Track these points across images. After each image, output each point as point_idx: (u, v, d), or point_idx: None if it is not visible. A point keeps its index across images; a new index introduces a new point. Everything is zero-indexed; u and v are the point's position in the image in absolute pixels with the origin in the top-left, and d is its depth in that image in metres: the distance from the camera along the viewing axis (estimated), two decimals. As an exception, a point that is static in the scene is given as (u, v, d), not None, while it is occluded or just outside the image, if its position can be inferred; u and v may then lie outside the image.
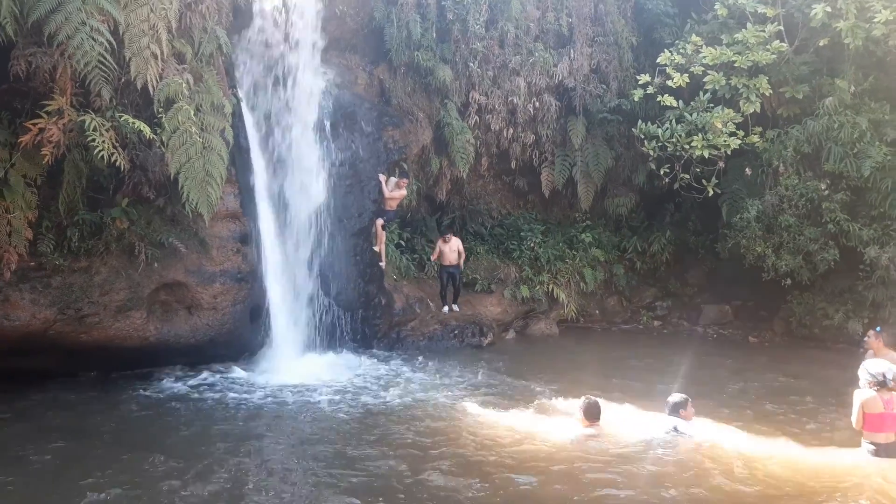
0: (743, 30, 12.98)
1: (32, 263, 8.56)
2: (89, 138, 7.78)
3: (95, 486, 5.95)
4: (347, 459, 6.70)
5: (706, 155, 12.99)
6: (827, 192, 12.45)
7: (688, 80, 13.18)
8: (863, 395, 6.56)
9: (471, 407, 8.46)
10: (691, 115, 13.15)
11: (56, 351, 9.04)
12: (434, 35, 13.09)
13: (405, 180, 12.22)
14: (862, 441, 6.69)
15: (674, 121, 13.29)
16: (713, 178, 13.24)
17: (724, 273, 14.42)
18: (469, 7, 13.24)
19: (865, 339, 8.19)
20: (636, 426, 7.49)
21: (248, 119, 10.75)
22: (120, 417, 8.01)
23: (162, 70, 8.42)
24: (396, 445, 7.16)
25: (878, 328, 8.14)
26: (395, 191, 12.02)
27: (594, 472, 6.42)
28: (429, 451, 7.00)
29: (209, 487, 5.98)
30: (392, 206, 12.09)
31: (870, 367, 6.55)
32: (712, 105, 13.13)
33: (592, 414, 7.26)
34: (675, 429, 7.12)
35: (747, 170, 13.37)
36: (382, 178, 11.98)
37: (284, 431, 7.73)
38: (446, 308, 12.85)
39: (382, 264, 12.21)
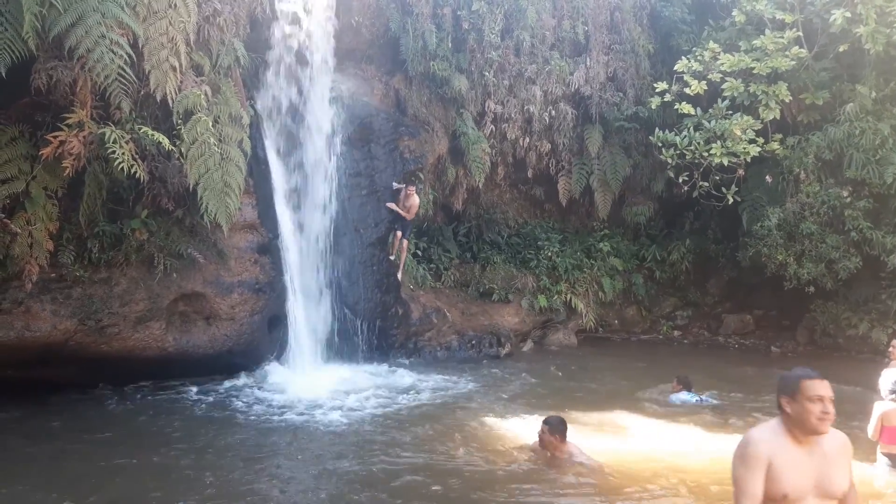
0: (761, 36, 12.88)
1: (53, 274, 8.62)
2: (109, 150, 7.84)
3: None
4: (365, 474, 6.62)
5: (725, 162, 12.84)
6: (849, 199, 12.28)
7: (706, 88, 13.11)
8: (883, 406, 6.41)
9: (496, 422, 8.30)
10: (710, 122, 13.04)
11: (76, 362, 9.07)
12: (450, 45, 13.11)
13: (412, 187, 12.05)
14: (878, 454, 6.52)
15: (692, 128, 13.18)
16: (733, 186, 13.10)
17: (745, 282, 14.25)
18: (484, 16, 13.27)
19: (890, 348, 8.00)
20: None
21: (266, 130, 10.81)
22: (136, 426, 8.02)
23: (180, 82, 8.52)
24: (417, 460, 7.05)
25: None
26: (406, 201, 11.97)
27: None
28: (449, 468, 6.89)
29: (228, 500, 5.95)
30: (411, 214, 12.05)
31: (890, 378, 6.40)
32: (731, 112, 13.02)
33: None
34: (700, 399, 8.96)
35: (768, 177, 13.23)
36: (392, 206, 11.91)
37: (301, 445, 7.64)
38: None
39: (399, 275, 12.19)
